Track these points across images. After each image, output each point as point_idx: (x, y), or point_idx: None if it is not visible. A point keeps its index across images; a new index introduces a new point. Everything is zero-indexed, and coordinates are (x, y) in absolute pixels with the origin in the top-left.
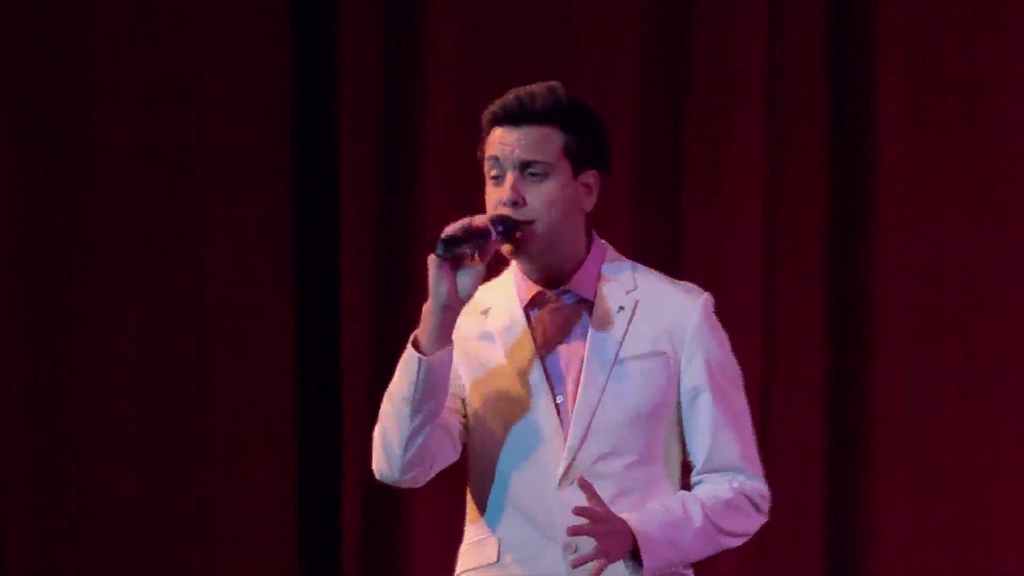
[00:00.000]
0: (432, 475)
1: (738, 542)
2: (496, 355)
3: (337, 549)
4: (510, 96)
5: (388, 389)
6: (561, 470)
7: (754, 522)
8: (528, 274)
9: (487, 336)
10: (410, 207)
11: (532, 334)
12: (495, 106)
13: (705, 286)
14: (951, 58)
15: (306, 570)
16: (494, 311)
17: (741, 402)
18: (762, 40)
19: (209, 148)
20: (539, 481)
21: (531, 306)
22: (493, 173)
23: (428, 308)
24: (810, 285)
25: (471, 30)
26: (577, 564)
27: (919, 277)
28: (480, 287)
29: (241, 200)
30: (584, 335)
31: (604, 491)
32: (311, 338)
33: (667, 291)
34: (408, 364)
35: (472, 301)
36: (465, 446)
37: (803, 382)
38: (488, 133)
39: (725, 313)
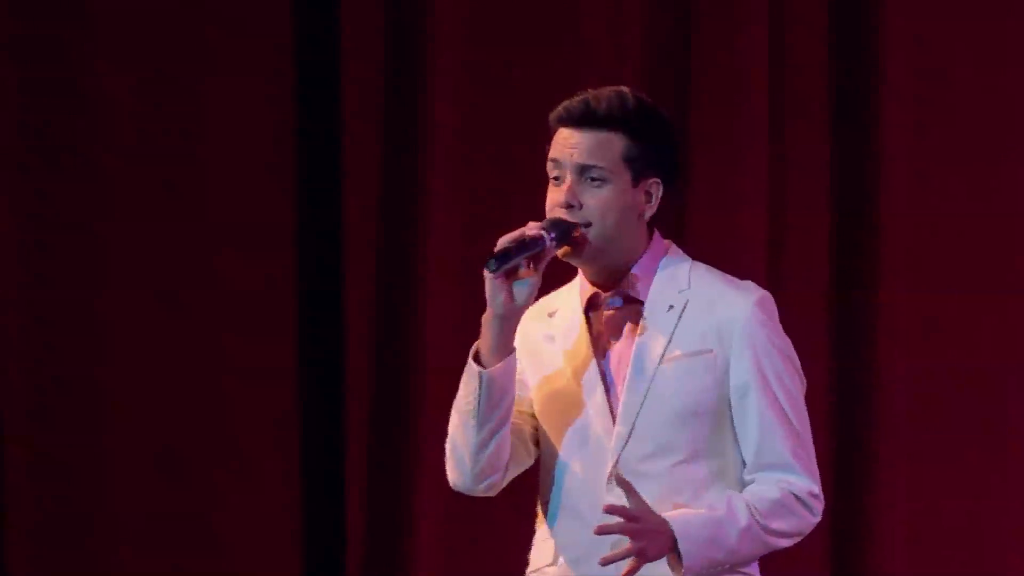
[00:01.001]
0: (507, 481)
1: (788, 542)
2: (556, 356)
3: (341, 550)
4: (577, 98)
5: (455, 402)
6: (608, 470)
7: (804, 522)
8: (586, 276)
9: (549, 338)
10: (414, 204)
11: (589, 335)
12: (561, 106)
13: None
14: (956, 56)
15: (310, 571)
16: (560, 313)
17: (794, 400)
18: (764, 40)
19: (212, 146)
20: (590, 482)
21: (589, 307)
22: (554, 174)
23: (487, 319)
24: (814, 285)
25: (476, 27)
26: (606, 562)
27: (923, 276)
28: (556, 291)
29: (244, 199)
30: (634, 335)
31: (650, 491)
32: (315, 337)
33: (720, 289)
34: (470, 377)
35: (542, 303)
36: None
37: (808, 382)
38: (554, 132)
39: None
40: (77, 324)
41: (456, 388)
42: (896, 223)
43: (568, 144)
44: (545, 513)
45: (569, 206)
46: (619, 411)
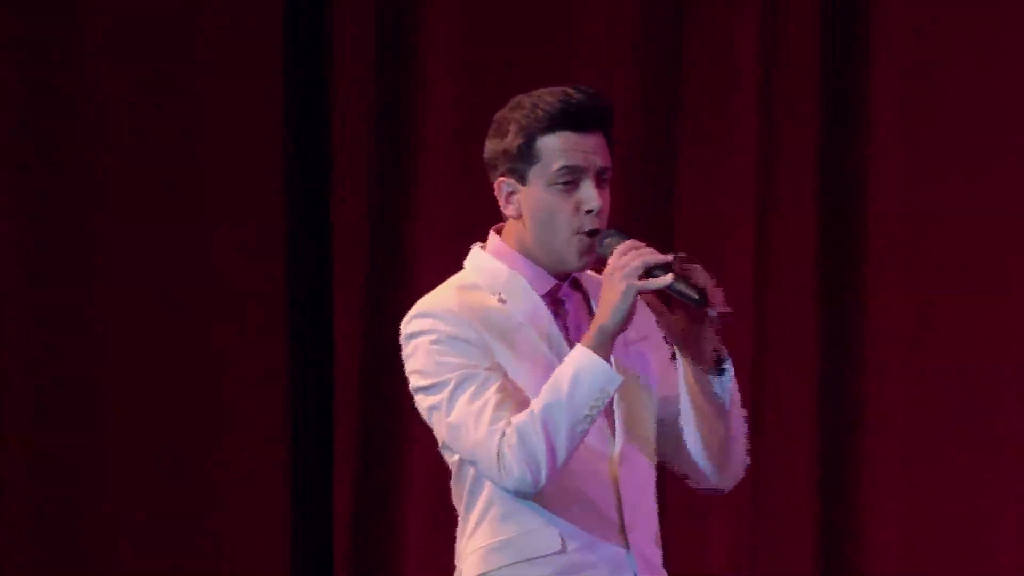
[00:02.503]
0: None
1: (744, 445)
2: (534, 341)
3: (330, 549)
4: (571, 98)
5: (558, 403)
6: (614, 451)
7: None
8: (547, 268)
9: (519, 325)
10: (406, 204)
11: (558, 321)
12: (552, 109)
13: None
14: (945, 52)
15: (299, 570)
16: (512, 300)
17: None
18: (755, 36)
19: (208, 146)
20: (594, 463)
21: (548, 297)
22: (565, 179)
23: (609, 326)
24: (802, 283)
25: (468, 21)
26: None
27: (912, 275)
28: (469, 277)
29: (235, 197)
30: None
31: (643, 470)
32: (303, 336)
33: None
34: (604, 382)
35: (470, 286)
36: None
37: (795, 382)
38: (539, 136)
39: None
40: (75, 324)
41: None
42: (885, 222)
43: (585, 149)
44: (537, 501)
45: (598, 213)
46: (616, 395)
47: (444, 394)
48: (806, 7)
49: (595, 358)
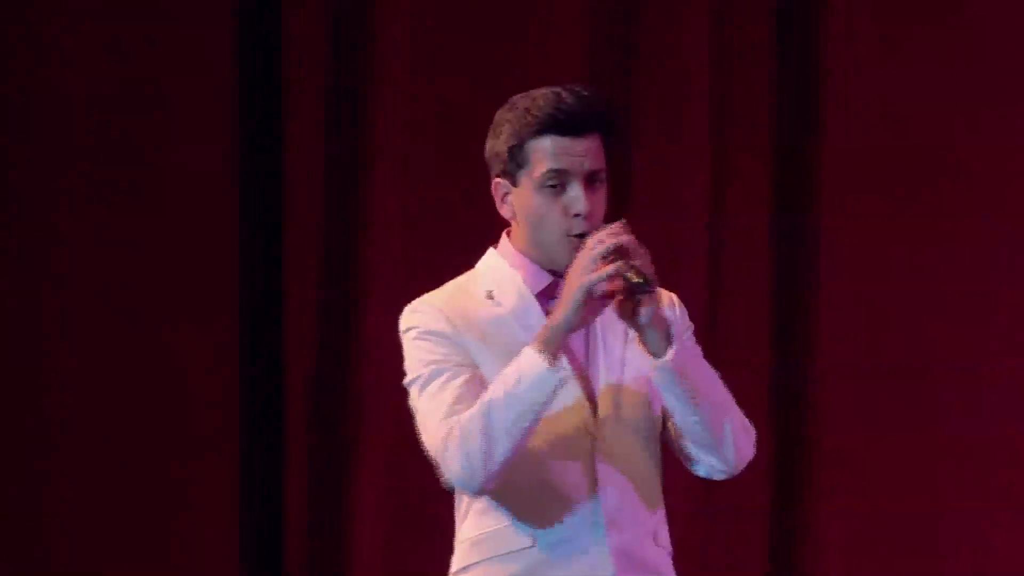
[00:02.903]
0: None
1: (735, 430)
2: (517, 339)
3: (280, 551)
4: (562, 102)
5: (497, 400)
6: (595, 447)
7: (749, 436)
8: (543, 265)
9: (503, 321)
10: (356, 204)
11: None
12: (544, 114)
13: None
14: (897, 56)
15: (248, 569)
16: (500, 296)
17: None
18: (706, 35)
19: (154, 145)
20: (572, 460)
21: (544, 293)
22: (553, 182)
23: (559, 325)
24: (755, 284)
25: (419, 20)
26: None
27: (863, 275)
28: (471, 271)
29: (186, 199)
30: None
31: (635, 468)
32: (254, 333)
33: None
34: (542, 380)
35: (468, 284)
36: None
37: (747, 380)
38: (530, 139)
39: None
40: (23, 326)
41: (397, 386)
42: (837, 220)
43: (573, 152)
44: (503, 499)
45: (587, 216)
46: (601, 382)
47: (416, 388)
48: (759, 9)
49: (536, 358)
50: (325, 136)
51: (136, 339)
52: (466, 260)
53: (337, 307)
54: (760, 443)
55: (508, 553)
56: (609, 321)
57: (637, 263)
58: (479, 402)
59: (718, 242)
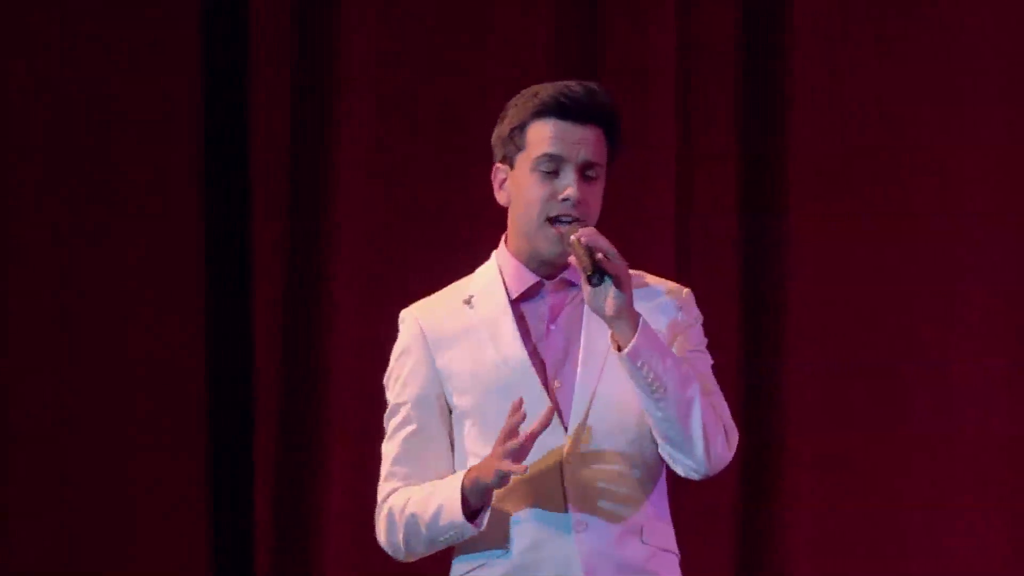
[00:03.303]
0: None
1: (703, 431)
2: (486, 347)
3: (250, 553)
4: (568, 90)
5: (419, 522)
6: (565, 451)
7: (723, 437)
8: (529, 265)
9: (473, 329)
10: (323, 199)
11: (526, 323)
12: (548, 97)
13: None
14: (865, 56)
15: (218, 569)
16: (479, 302)
17: (712, 382)
18: (673, 40)
19: (121, 144)
20: (544, 467)
21: (527, 295)
22: (545, 168)
23: (490, 484)
24: (722, 285)
25: (384, 17)
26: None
27: (831, 276)
28: (467, 277)
29: (152, 195)
30: (579, 320)
31: (610, 468)
32: (223, 336)
33: (650, 281)
34: (460, 527)
35: (459, 289)
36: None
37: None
38: (530, 122)
39: None
40: None
41: (365, 388)
42: (804, 221)
43: (572, 139)
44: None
45: (577, 202)
46: (576, 391)
47: (387, 408)
48: (723, 9)
49: (458, 507)
50: (291, 134)
51: (104, 341)
52: (437, 261)
53: (306, 308)
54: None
55: (486, 563)
56: (595, 319)
57: (599, 256)
58: (406, 506)
59: (685, 244)
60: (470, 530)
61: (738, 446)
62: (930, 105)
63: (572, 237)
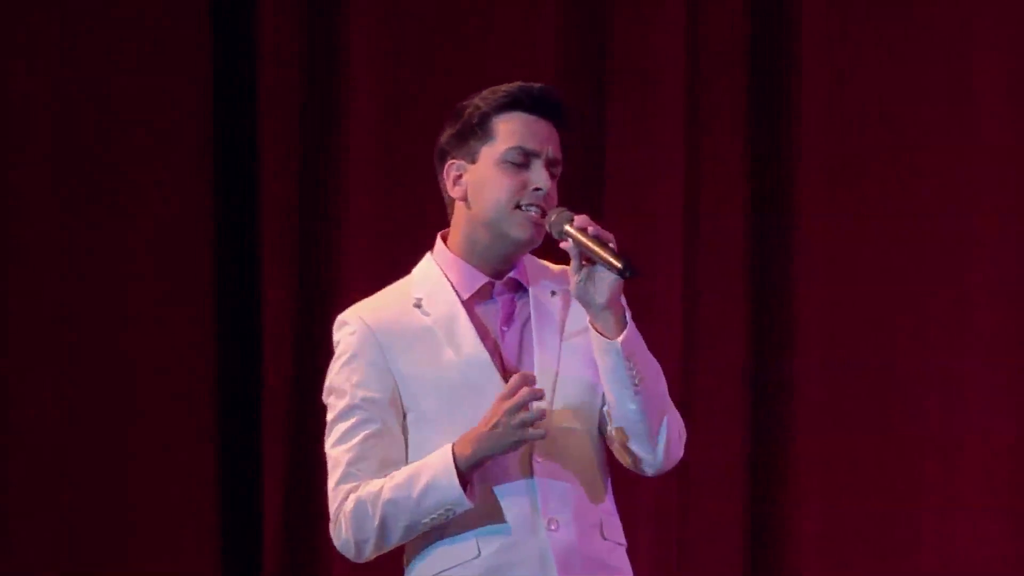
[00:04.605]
0: None
1: (665, 427)
2: (444, 350)
3: (258, 549)
4: (532, 86)
5: (401, 503)
6: (529, 452)
7: (680, 434)
8: (477, 265)
9: (428, 330)
10: (332, 199)
11: (479, 321)
12: (515, 89)
13: (626, 284)
14: (872, 57)
15: (226, 570)
16: (429, 303)
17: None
18: (681, 40)
19: (129, 145)
20: (510, 468)
21: (478, 295)
22: (516, 159)
23: (487, 451)
24: (731, 283)
25: (391, 19)
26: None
27: (839, 275)
28: (405, 278)
29: (161, 197)
30: (528, 318)
31: (571, 459)
32: (232, 337)
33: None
34: (453, 502)
35: (401, 292)
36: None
37: (723, 381)
38: (497, 115)
39: (646, 311)
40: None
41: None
42: (812, 221)
43: (543, 135)
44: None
45: (548, 195)
46: (536, 381)
47: (330, 416)
48: (734, 10)
49: (455, 479)
50: (300, 136)
51: (112, 342)
52: None
53: (314, 307)
54: (736, 442)
55: (456, 566)
56: (544, 316)
57: (612, 246)
58: (382, 491)
59: (693, 244)
60: (465, 504)
61: (745, 446)
62: (938, 106)
63: (567, 227)
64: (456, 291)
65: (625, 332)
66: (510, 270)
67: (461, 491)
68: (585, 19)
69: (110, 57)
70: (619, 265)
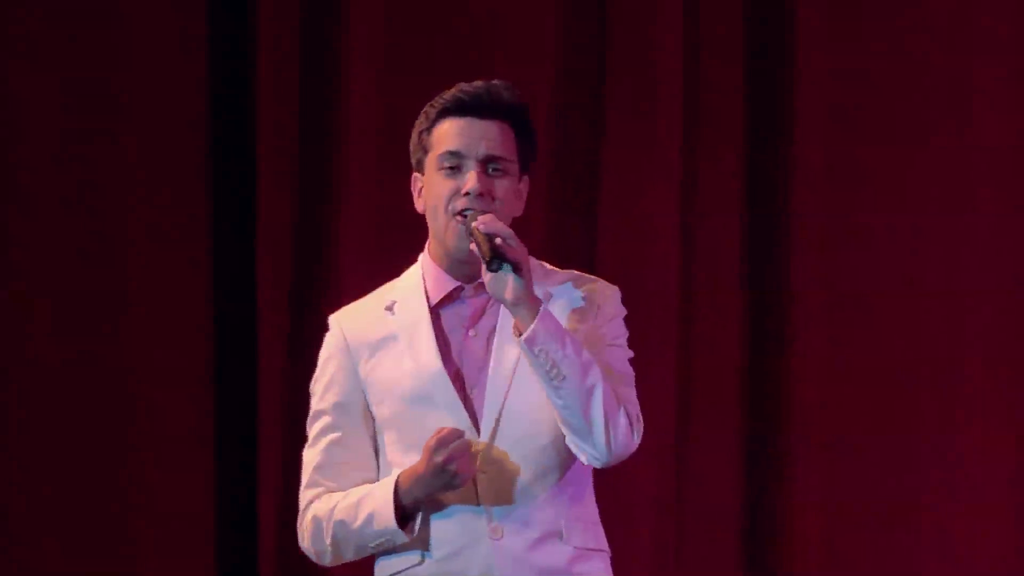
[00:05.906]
0: None
1: (603, 420)
2: (404, 356)
3: (253, 553)
4: (469, 87)
5: (347, 527)
6: (479, 461)
7: (626, 426)
8: (450, 269)
9: (392, 336)
10: (328, 200)
11: (443, 328)
12: (448, 97)
13: (622, 284)
14: (869, 55)
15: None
16: (400, 308)
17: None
18: (680, 40)
19: (125, 148)
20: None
21: (448, 300)
22: (448, 164)
23: (419, 490)
24: (727, 283)
25: (390, 19)
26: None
27: (835, 275)
28: (391, 282)
29: (158, 200)
30: (494, 324)
31: (525, 474)
32: (227, 339)
33: (568, 277)
34: (391, 533)
35: (382, 295)
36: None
37: (720, 380)
38: (434, 124)
39: (642, 313)
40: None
41: None
42: (810, 219)
43: (471, 134)
44: None
45: (480, 194)
46: (485, 400)
47: (310, 412)
48: (731, 8)
49: (391, 513)
50: (299, 132)
51: (110, 341)
52: None
53: (310, 308)
54: (733, 443)
55: (400, 572)
56: (504, 324)
57: (497, 241)
58: (334, 512)
59: (690, 241)
60: (402, 537)
61: (743, 444)
62: (936, 105)
63: (472, 224)
64: (428, 295)
65: (531, 327)
66: (477, 274)
67: (396, 526)
68: (584, 19)
69: (109, 56)
70: (487, 258)
